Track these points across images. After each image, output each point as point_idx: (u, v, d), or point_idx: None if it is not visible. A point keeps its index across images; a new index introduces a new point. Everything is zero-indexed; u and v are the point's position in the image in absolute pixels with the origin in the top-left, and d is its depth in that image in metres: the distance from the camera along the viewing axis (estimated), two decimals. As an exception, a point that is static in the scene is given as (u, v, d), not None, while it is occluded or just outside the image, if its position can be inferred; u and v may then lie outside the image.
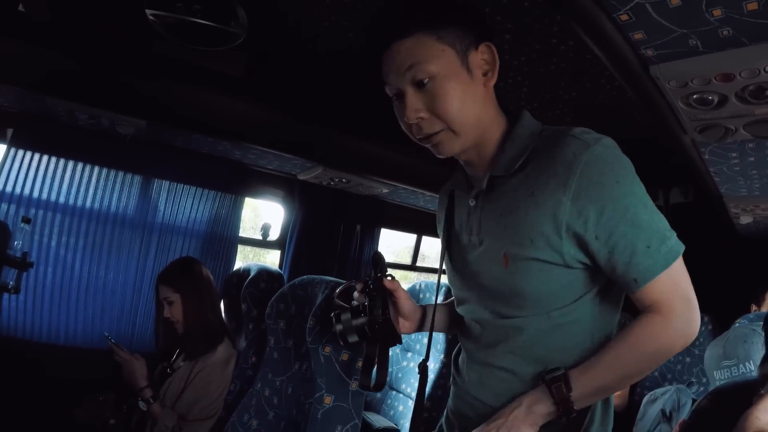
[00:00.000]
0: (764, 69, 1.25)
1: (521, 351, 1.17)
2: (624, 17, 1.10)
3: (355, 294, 1.28)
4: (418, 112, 1.13)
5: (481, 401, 1.23)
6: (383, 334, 1.24)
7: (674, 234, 1.07)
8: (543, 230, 1.07)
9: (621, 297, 1.20)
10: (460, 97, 1.11)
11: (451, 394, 1.37)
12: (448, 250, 1.36)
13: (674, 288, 1.07)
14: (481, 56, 1.15)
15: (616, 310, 1.20)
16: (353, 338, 1.25)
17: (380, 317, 1.23)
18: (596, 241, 1.05)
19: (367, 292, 1.25)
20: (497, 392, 1.20)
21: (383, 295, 1.26)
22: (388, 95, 1.20)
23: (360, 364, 1.45)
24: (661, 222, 1.06)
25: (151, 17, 1.57)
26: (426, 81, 1.10)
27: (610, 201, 1.03)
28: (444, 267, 1.41)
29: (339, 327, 1.25)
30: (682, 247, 1.07)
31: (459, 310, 1.34)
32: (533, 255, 1.09)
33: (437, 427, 1.43)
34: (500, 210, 1.16)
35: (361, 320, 1.24)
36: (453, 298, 1.41)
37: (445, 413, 1.40)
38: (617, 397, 3.12)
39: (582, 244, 1.07)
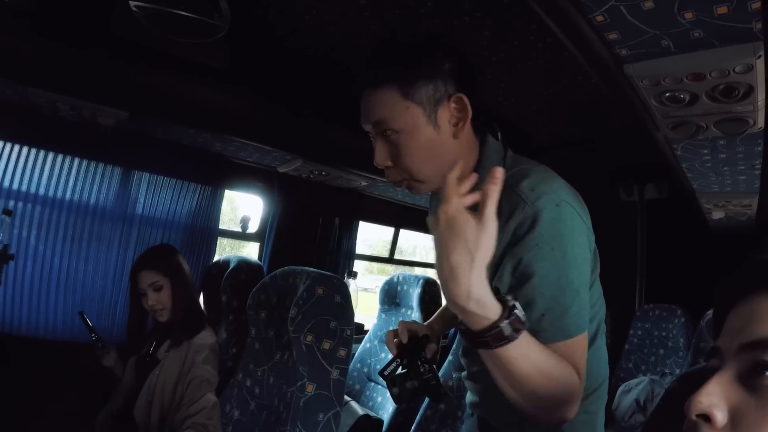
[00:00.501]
0: (734, 69, 1.29)
1: None
2: (600, 18, 1.13)
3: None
4: (384, 160, 1.19)
5: None
6: (433, 394, 1.26)
7: (580, 313, 1.05)
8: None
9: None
10: (421, 153, 1.15)
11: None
12: None
13: (575, 358, 1.03)
14: (452, 107, 1.15)
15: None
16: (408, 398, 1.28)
17: (431, 380, 1.24)
18: (510, 294, 0.99)
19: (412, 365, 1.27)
20: None
21: (430, 363, 1.27)
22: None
23: (342, 353, 1.48)
24: (572, 298, 1.04)
25: (134, 8, 1.57)
26: (390, 133, 1.15)
27: (525, 260, 1.04)
28: None
29: (395, 391, 1.25)
30: (582, 329, 1.05)
31: None
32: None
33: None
34: None
35: (415, 383, 1.24)
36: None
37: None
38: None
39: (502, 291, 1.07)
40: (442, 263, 0.87)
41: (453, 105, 1.15)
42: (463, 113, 1.16)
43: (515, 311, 0.90)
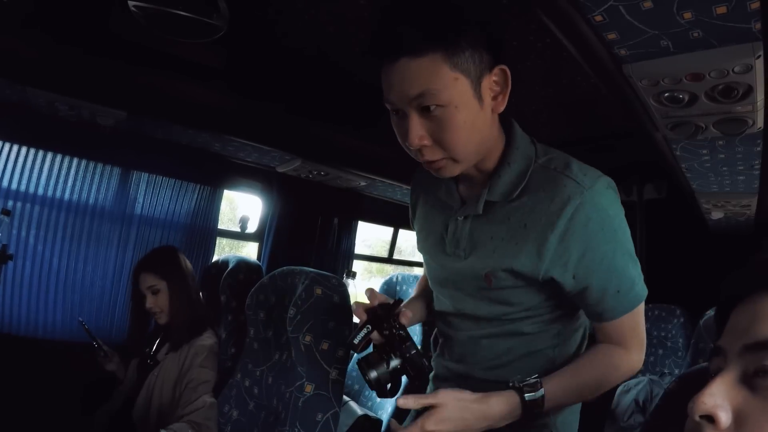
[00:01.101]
0: (733, 69, 1.29)
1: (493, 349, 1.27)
2: (598, 18, 1.13)
3: (374, 335, 1.16)
4: (422, 139, 1.06)
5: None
6: (418, 369, 1.14)
7: (641, 279, 1.16)
8: (528, 261, 1.13)
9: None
10: (467, 129, 1.06)
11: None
12: (424, 248, 1.38)
13: (633, 328, 1.18)
14: (493, 80, 1.08)
15: (582, 326, 1.32)
16: (389, 383, 1.15)
17: (411, 348, 1.13)
18: (573, 280, 1.12)
19: (386, 334, 1.15)
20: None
21: (406, 331, 1.17)
22: (386, 106, 1.12)
23: (341, 353, 1.48)
24: (634, 268, 1.14)
25: (133, 8, 1.57)
26: (433, 108, 1.03)
27: (592, 247, 1.09)
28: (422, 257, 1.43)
29: (373, 374, 1.13)
30: (645, 292, 1.16)
31: (437, 292, 1.39)
32: (514, 279, 1.16)
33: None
34: (491, 233, 1.18)
35: (396, 362, 1.13)
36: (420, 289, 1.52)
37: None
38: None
39: (560, 277, 1.13)
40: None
41: (494, 77, 1.08)
42: (504, 86, 1.10)
43: (518, 384, 1.11)
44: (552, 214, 1.08)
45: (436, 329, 1.45)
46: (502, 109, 1.12)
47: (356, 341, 1.14)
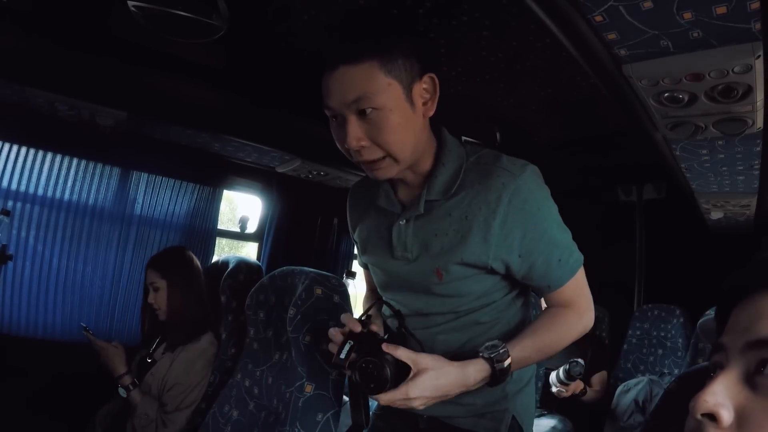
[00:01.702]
0: (732, 70, 1.29)
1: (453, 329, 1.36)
2: (598, 18, 1.13)
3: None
4: (359, 140, 1.16)
5: None
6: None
7: (576, 246, 1.29)
8: (474, 250, 1.22)
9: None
10: (401, 129, 1.16)
11: None
12: (372, 256, 1.45)
13: (580, 289, 1.31)
14: (423, 86, 1.19)
15: (529, 303, 1.44)
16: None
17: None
18: (519, 258, 1.24)
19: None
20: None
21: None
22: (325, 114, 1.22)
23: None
24: (569, 238, 1.29)
25: (132, 8, 1.57)
26: (368, 111, 1.13)
27: (532, 225, 1.21)
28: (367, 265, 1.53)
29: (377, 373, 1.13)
30: (581, 257, 1.30)
31: (387, 297, 1.47)
32: (465, 270, 1.26)
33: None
34: (434, 231, 1.28)
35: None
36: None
37: None
38: (594, 392, 3.19)
39: (506, 258, 1.24)
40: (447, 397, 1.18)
41: (424, 84, 1.19)
42: (432, 93, 1.21)
43: (488, 355, 1.18)
44: (491, 203, 1.20)
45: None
46: (431, 113, 1.23)
47: (343, 356, 1.17)
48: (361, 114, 1.14)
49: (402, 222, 1.31)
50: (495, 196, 1.19)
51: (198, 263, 2.33)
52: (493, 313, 1.34)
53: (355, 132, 1.15)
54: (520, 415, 1.39)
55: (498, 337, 1.28)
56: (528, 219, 1.20)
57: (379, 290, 1.50)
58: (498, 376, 1.19)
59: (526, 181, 1.20)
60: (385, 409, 1.52)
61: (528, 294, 1.43)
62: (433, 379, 1.13)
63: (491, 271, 1.27)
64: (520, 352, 1.22)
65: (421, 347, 1.26)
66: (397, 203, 1.36)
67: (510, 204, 1.19)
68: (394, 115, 1.14)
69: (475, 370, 1.18)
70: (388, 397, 1.12)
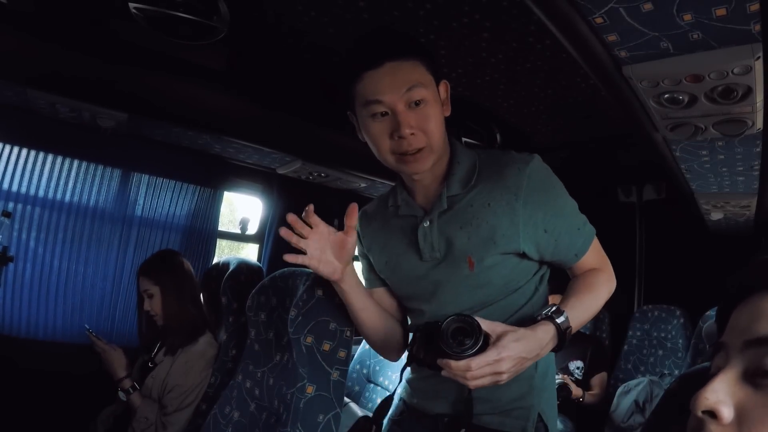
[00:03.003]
0: (732, 71, 1.29)
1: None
2: (599, 20, 1.13)
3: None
4: (412, 128, 1.23)
5: None
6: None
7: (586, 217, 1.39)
8: (504, 232, 1.29)
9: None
10: (439, 122, 1.27)
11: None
12: (396, 267, 1.46)
13: (600, 253, 1.41)
14: (443, 88, 1.32)
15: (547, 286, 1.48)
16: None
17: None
18: (545, 234, 1.31)
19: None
20: None
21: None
22: (368, 115, 1.27)
23: (342, 354, 1.49)
24: (577, 208, 1.38)
25: (133, 10, 1.58)
26: (419, 102, 1.23)
27: (551, 201, 1.31)
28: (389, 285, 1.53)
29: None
30: (593, 228, 1.40)
31: (412, 307, 1.49)
32: (497, 251, 1.31)
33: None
34: (459, 223, 1.33)
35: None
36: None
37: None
38: (593, 395, 3.19)
39: (534, 236, 1.31)
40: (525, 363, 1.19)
41: (443, 87, 1.32)
42: (446, 96, 1.34)
43: (549, 314, 1.23)
44: (510, 187, 1.28)
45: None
46: (448, 113, 1.33)
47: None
48: (411, 105, 1.23)
49: (426, 224, 1.37)
50: (513, 181, 1.28)
51: (188, 264, 2.33)
52: (520, 299, 1.38)
53: (408, 120, 1.23)
54: (545, 412, 1.40)
55: (526, 319, 1.32)
56: (546, 196, 1.30)
57: (406, 303, 1.52)
58: (562, 334, 1.23)
59: (537, 164, 1.30)
60: (402, 415, 1.52)
61: (546, 279, 1.46)
62: (514, 340, 1.15)
63: (522, 255, 1.33)
64: (571, 310, 1.27)
65: None
66: (418, 207, 1.42)
67: (528, 185, 1.27)
68: (434, 108, 1.26)
69: (543, 331, 1.21)
70: (479, 361, 1.12)
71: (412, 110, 1.23)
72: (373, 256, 1.52)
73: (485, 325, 1.16)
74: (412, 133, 1.24)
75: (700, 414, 0.59)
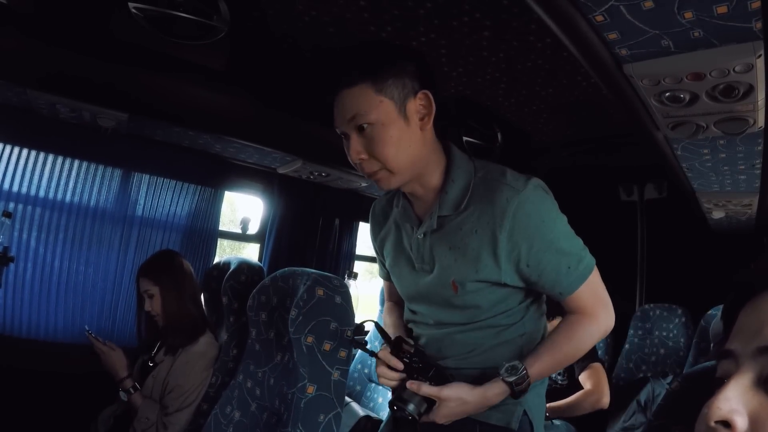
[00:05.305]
0: (734, 69, 1.29)
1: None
2: (599, 18, 1.13)
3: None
4: (359, 153, 1.30)
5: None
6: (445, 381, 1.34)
7: (587, 252, 1.35)
8: (486, 262, 1.32)
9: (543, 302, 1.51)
10: (395, 143, 1.28)
11: None
12: (395, 268, 1.54)
13: (594, 295, 1.36)
14: (418, 103, 1.30)
15: (543, 313, 1.51)
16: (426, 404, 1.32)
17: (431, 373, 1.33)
18: (527, 268, 1.31)
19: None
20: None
21: (419, 357, 1.36)
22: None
23: (342, 354, 1.49)
24: (577, 245, 1.34)
25: (133, 10, 1.57)
26: (365, 127, 1.27)
27: (537, 237, 1.28)
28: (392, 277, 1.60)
29: (412, 407, 1.30)
30: (594, 262, 1.35)
31: (412, 307, 1.56)
32: (478, 279, 1.34)
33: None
34: (448, 244, 1.37)
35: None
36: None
37: None
38: (589, 393, 3.14)
39: (516, 270, 1.32)
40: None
41: (419, 101, 1.30)
42: (428, 108, 1.32)
43: (507, 378, 1.26)
44: (497, 217, 1.28)
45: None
46: (428, 126, 1.34)
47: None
48: (360, 130, 1.28)
49: (420, 236, 1.41)
50: (500, 211, 1.27)
51: (188, 264, 2.33)
52: (511, 318, 1.41)
53: (355, 146, 1.29)
54: (531, 410, 1.44)
55: (515, 338, 1.41)
56: (533, 231, 1.28)
57: (403, 297, 1.60)
58: (517, 394, 1.28)
59: (528, 196, 1.28)
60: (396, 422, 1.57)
61: (543, 299, 1.49)
62: (455, 408, 1.28)
63: (505, 285, 1.35)
64: (539, 368, 1.31)
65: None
66: (414, 218, 1.45)
67: (515, 218, 1.27)
68: (388, 129, 1.27)
69: (495, 394, 1.29)
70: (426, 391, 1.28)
71: (361, 135, 1.29)
72: (381, 248, 1.61)
73: (430, 392, 1.29)
74: (361, 158, 1.30)
75: (712, 424, 0.57)
